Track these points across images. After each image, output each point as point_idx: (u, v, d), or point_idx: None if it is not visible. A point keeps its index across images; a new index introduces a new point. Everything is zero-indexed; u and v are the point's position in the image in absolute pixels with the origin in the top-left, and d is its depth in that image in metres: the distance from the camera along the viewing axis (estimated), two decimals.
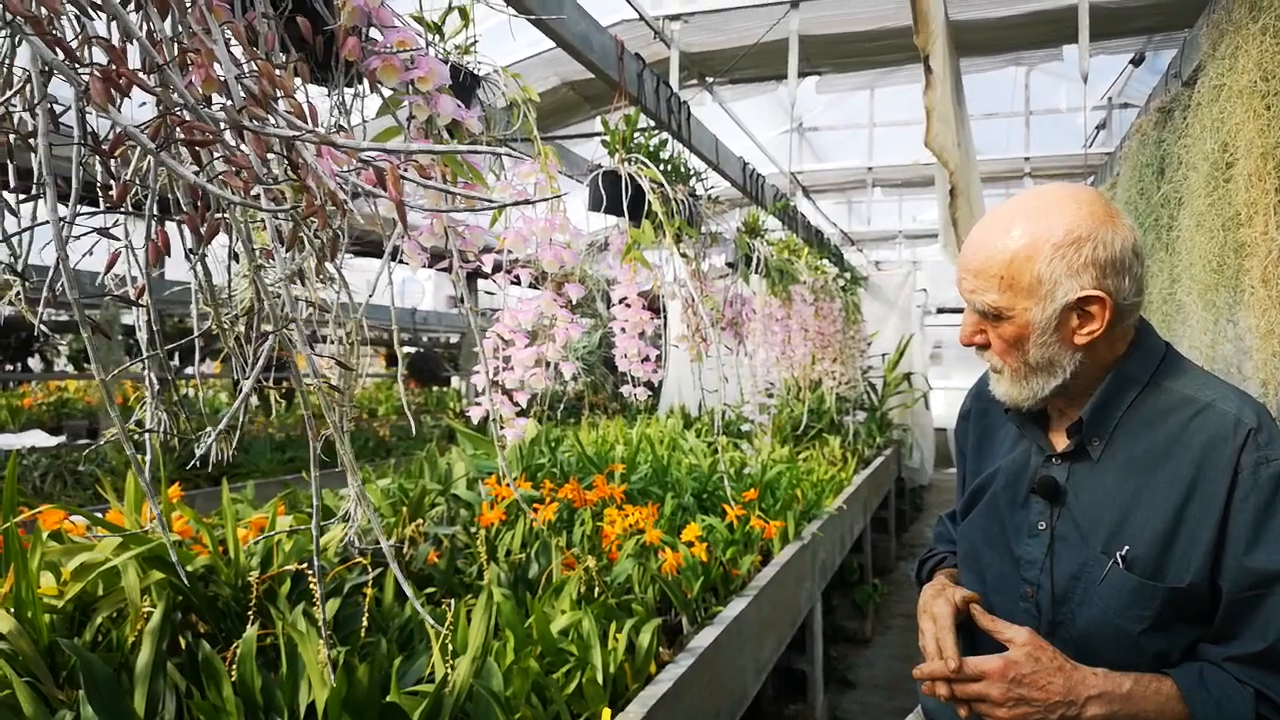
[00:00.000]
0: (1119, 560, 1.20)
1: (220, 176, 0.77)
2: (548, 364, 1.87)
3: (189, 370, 7.59)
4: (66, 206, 0.79)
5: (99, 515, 1.92)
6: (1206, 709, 1.14)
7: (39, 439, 7.26)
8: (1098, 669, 1.18)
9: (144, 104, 0.91)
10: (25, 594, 1.45)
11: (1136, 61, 6.31)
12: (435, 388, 11.86)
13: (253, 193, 0.78)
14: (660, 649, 2.00)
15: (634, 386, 2.47)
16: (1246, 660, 1.15)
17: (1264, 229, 2.01)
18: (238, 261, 1.12)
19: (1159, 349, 1.30)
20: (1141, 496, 1.22)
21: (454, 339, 12.88)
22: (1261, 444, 1.17)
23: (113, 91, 0.64)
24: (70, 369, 9.88)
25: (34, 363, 9.76)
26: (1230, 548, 1.15)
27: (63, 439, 7.49)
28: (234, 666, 1.44)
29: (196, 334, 1.10)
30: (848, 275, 6.80)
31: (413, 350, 12.05)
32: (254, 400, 8.18)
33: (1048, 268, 1.19)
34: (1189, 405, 1.23)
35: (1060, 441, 1.33)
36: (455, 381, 11.83)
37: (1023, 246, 1.20)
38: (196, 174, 0.71)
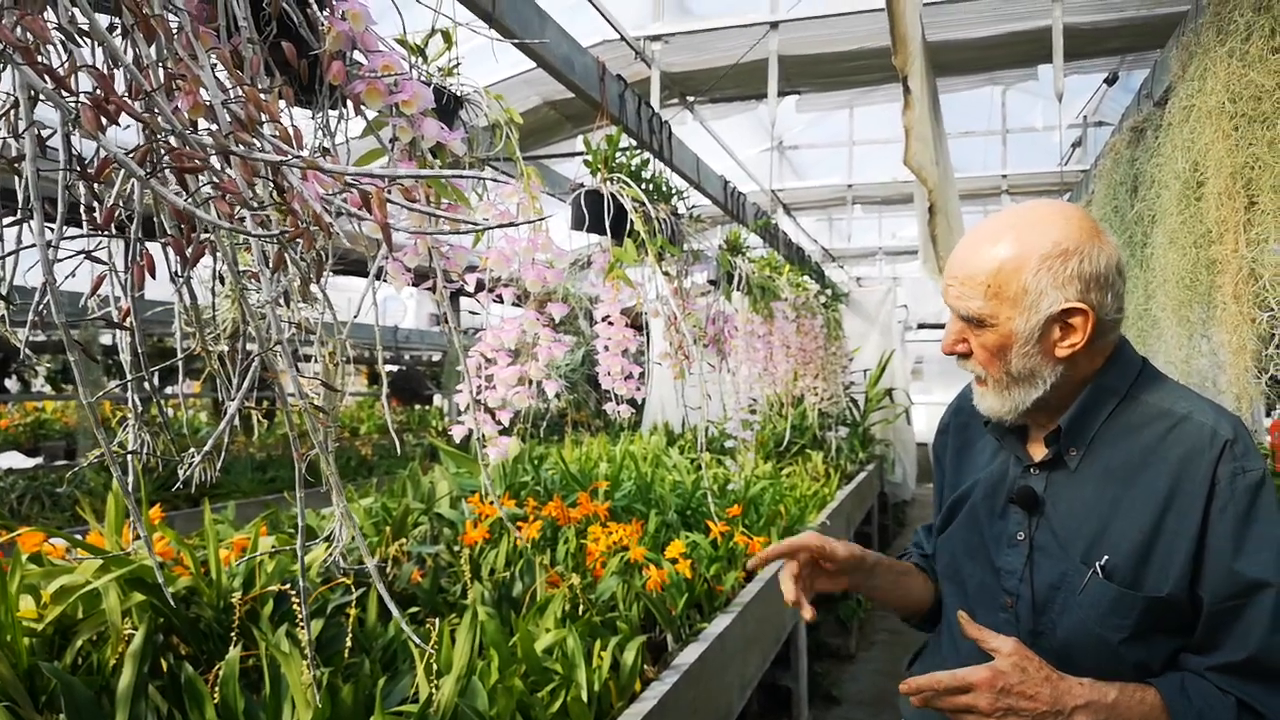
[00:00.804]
0: (1098, 570, 1.22)
1: (208, 201, 0.78)
2: (531, 382, 1.88)
3: (168, 390, 7.54)
4: (52, 229, 0.80)
5: (78, 537, 1.90)
6: (1188, 718, 1.15)
7: (16, 460, 7.18)
8: (1083, 679, 1.19)
9: (128, 127, 0.92)
10: (4, 617, 1.44)
11: (1110, 81, 6.41)
12: (417, 406, 11.81)
13: (239, 216, 0.79)
14: (645, 666, 2.00)
15: (617, 404, 2.48)
16: (1228, 670, 1.17)
17: (1234, 246, 2.05)
18: (223, 283, 1.12)
19: (1136, 362, 1.33)
20: (1119, 507, 1.24)
21: (436, 357, 12.85)
22: (1237, 455, 1.19)
23: (102, 118, 0.65)
24: (48, 390, 9.78)
25: (10, 384, 9.65)
26: (1209, 558, 1.17)
27: (40, 460, 7.41)
28: (216, 688, 1.43)
29: (180, 355, 1.11)
30: (829, 292, 6.85)
31: (395, 369, 12.01)
32: (235, 420, 8.11)
33: (1034, 278, 1.22)
34: (1166, 418, 1.25)
35: (1038, 452, 1.35)
36: (438, 400, 11.79)
37: (1011, 256, 1.23)
38: (184, 198, 0.72)
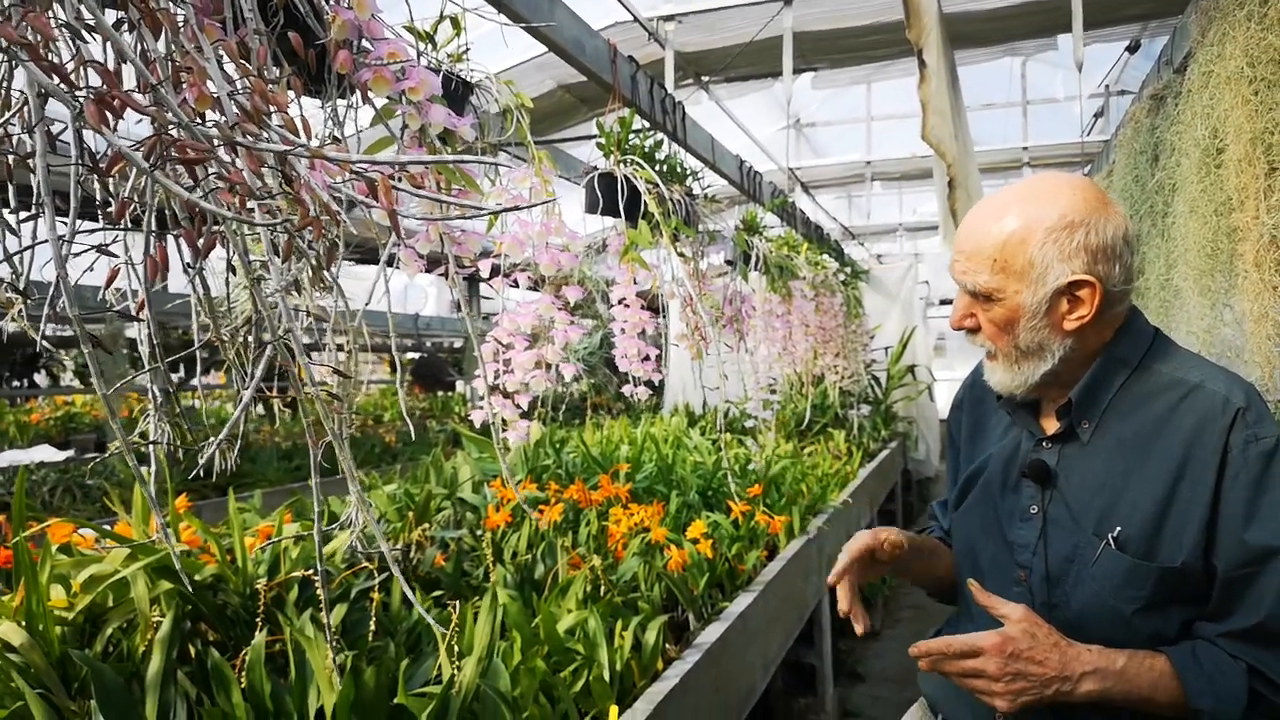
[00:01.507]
0: (1111, 541, 1.22)
1: (214, 192, 0.79)
2: (548, 366, 1.89)
3: (195, 381, 7.64)
4: (66, 224, 0.81)
5: (107, 528, 1.93)
6: (1199, 684, 1.15)
7: (47, 454, 7.30)
8: (1092, 645, 1.20)
9: (140, 121, 0.93)
10: (36, 607, 1.47)
11: (1132, 49, 6.31)
12: (440, 393, 11.89)
13: (248, 206, 0.80)
14: (667, 646, 2.02)
15: (635, 386, 2.49)
16: (1238, 636, 1.17)
17: (1255, 213, 2.02)
18: (234, 274, 1.13)
19: (1148, 332, 1.32)
20: (1132, 478, 1.23)
21: (458, 344, 12.91)
22: (1250, 422, 1.18)
23: (106, 113, 0.66)
24: (77, 384, 9.92)
25: (40, 378, 9.79)
26: (1223, 526, 1.17)
27: (71, 453, 7.53)
28: (243, 673, 1.45)
29: (197, 345, 1.12)
30: (848, 270, 6.81)
31: (416, 356, 12.08)
32: (259, 410, 8.21)
33: (1040, 251, 1.21)
34: (1178, 387, 1.25)
35: (1050, 425, 1.35)
36: (460, 386, 11.86)
37: (1016, 229, 1.22)
38: (191, 190, 0.73)
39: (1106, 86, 7.62)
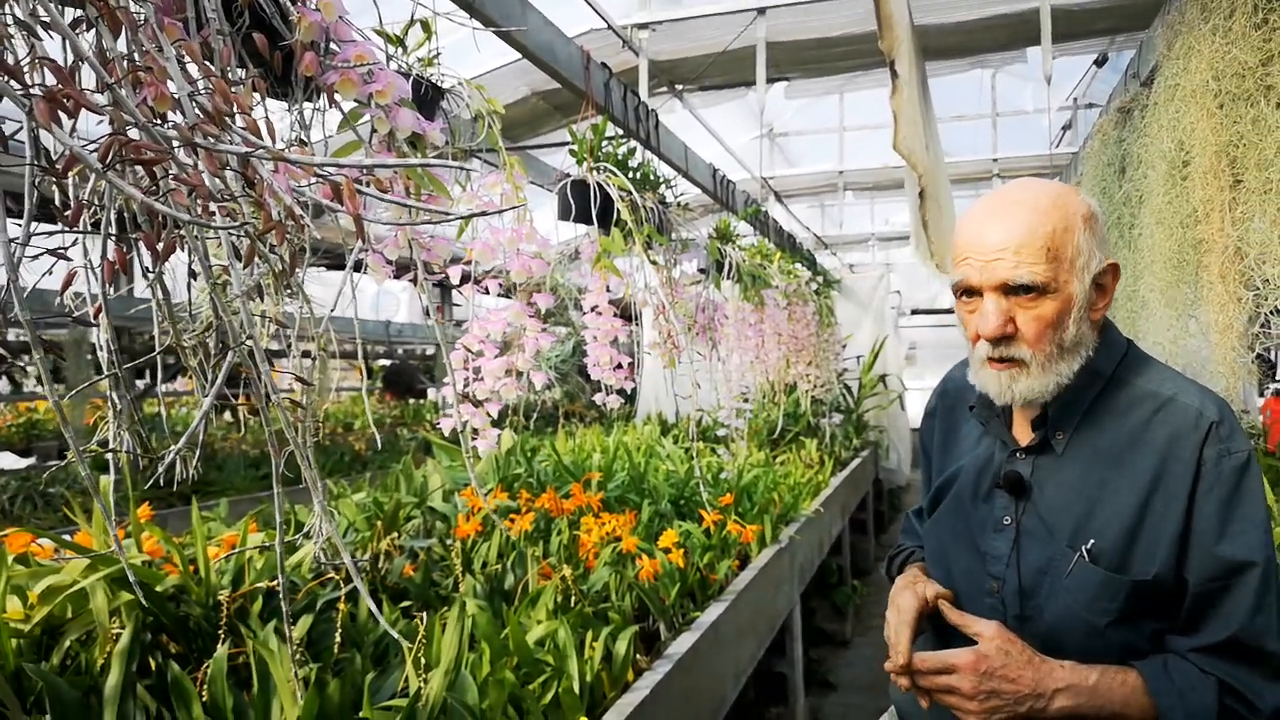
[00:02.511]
0: (1084, 553, 1.22)
1: (170, 194, 0.77)
2: (519, 374, 1.87)
3: (166, 386, 7.53)
4: (21, 225, 0.78)
5: (67, 537, 1.89)
6: (1170, 699, 1.15)
7: (9, 461, 7.17)
8: (1065, 662, 1.19)
9: (100, 122, 0.91)
10: None
11: (1100, 62, 6.40)
12: (412, 400, 11.79)
13: (206, 209, 0.78)
14: (638, 656, 2.00)
15: (607, 394, 2.48)
16: (1209, 650, 1.17)
17: (1220, 225, 2.04)
18: (194, 278, 1.11)
19: (1122, 344, 1.32)
20: (1106, 490, 1.23)
21: (431, 351, 12.83)
22: (1223, 436, 1.19)
23: (59, 112, 0.64)
24: (40, 390, 9.74)
25: (1, 384, 9.62)
26: (1195, 540, 1.17)
27: (33, 460, 7.39)
28: (204, 687, 1.42)
29: (158, 351, 1.10)
30: (820, 279, 6.84)
31: (388, 363, 11.99)
32: (227, 416, 8.11)
33: (1083, 239, 1.22)
34: (1152, 399, 1.25)
35: (1024, 436, 1.34)
36: (432, 393, 11.77)
37: (1061, 218, 1.21)
38: (150, 192, 0.71)
39: (1075, 99, 7.73)
